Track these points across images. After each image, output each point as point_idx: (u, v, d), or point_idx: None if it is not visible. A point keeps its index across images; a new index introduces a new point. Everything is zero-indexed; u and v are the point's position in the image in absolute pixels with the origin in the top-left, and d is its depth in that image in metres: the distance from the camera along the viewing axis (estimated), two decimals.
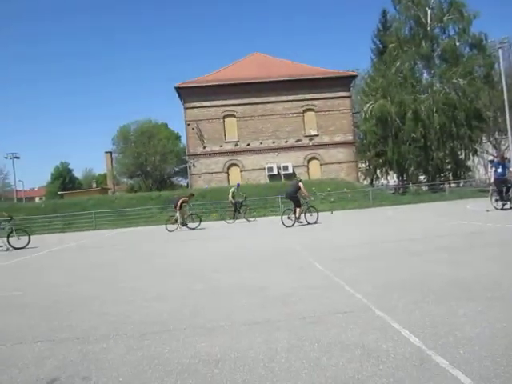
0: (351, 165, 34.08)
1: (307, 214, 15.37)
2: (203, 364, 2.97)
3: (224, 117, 33.25)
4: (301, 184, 15.10)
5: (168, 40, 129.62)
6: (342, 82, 34.30)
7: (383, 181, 44.39)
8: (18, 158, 55.07)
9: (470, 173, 38.25)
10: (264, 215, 22.44)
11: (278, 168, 32.68)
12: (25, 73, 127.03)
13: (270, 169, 32.65)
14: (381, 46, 39.56)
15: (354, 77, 35.81)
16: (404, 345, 3.02)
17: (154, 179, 59.06)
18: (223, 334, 3.59)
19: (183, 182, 60.10)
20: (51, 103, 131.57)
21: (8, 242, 13.67)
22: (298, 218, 14.76)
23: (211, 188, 28.87)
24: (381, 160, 36.11)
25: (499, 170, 14.08)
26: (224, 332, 3.66)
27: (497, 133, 44.52)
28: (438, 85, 33.32)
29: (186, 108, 33.28)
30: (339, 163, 33.22)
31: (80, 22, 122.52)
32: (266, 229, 15.48)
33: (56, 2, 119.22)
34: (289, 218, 14.77)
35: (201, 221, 17.90)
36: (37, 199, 67.02)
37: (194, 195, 19.62)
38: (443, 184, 31.08)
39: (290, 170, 32.55)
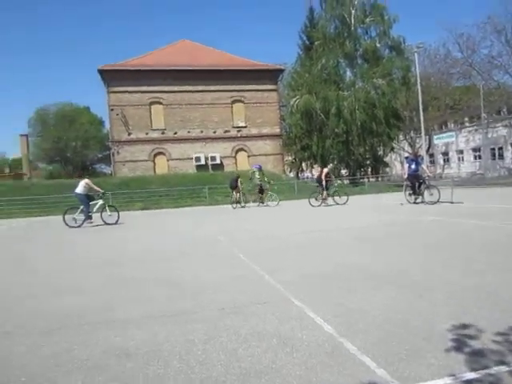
0: (278, 157, 34.76)
1: (335, 197, 17.57)
2: (116, 358, 2.87)
3: (150, 103, 32.29)
4: (325, 169, 17.82)
5: (92, 20, 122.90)
6: (270, 75, 34.77)
7: (308, 174, 45.74)
8: None
9: (387, 168, 40.63)
10: (190, 205, 22.24)
11: (206, 158, 32.45)
12: None
13: (198, 159, 32.33)
14: (308, 42, 40.48)
15: (281, 71, 36.40)
16: (318, 333, 3.12)
17: (75, 166, 56.14)
18: (137, 328, 3.48)
19: (107, 170, 57.77)
20: None
21: (101, 217, 13.82)
22: (324, 200, 17.15)
23: (136, 176, 27.93)
24: (306, 153, 37.16)
25: (413, 167, 15.04)
26: (138, 325, 3.55)
27: (412, 132, 47.78)
28: (359, 83, 34.86)
29: (109, 92, 31.83)
30: (266, 155, 33.73)
31: None
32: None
33: None
34: (316, 199, 17.18)
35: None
36: None
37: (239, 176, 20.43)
38: (363, 178, 32.76)
39: (218, 161, 32.50)
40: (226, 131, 33.49)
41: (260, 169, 20.10)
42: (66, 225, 13.21)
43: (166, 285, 4.97)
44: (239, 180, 19.95)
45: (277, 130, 34.87)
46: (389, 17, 33.62)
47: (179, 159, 32.39)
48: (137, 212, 20.81)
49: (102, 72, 31.63)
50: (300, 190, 26.59)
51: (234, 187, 19.86)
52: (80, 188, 13.71)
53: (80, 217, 13.44)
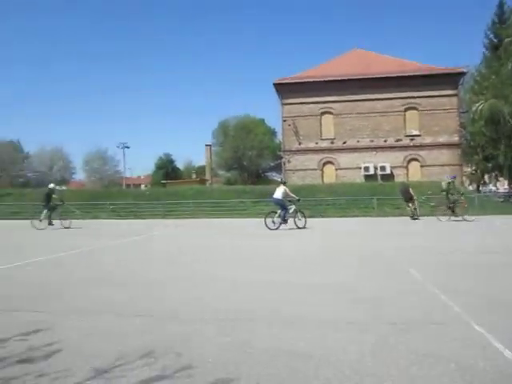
0: (455, 168, 31.76)
1: None
2: (288, 356, 3.03)
3: (321, 113, 32.95)
4: None
5: (267, 37, 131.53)
6: (448, 80, 32.06)
7: (492, 187, 40.92)
8: (127, 147, 60.45)
9: None
10: (356, 215, 21.94)
11: (375, 168, 31.58)
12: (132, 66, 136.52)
13: (367, 168, 31.69)
14: (495, 40, 36.34)
15: (462, 74, 33.21)
16: (504, 366, 2.81)
17: (249, 173, 60.66)
18: (307, 330, 3.63)
19: (277, 178, 60.92)
20: (160, 98, 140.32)
21: (294, 221, 15.12)
22: None
23: (305, 185, 28.74)
24: (490, 164, 33.28)
25: None
26: (308, 327, 3.70)
27: None
28: None
29: (283, 104, 33.52)
30: (442, 166, 31.12)
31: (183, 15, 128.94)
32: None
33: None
34: None
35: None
36: (142, 186, 72.13)
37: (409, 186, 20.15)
38: None
39: (388, 171, 31.33)
40: (397, 140, 32.10)
41: (454, 179, 18.75)
42: (267, 227, 14.41)
43: (342, 291, 5.11)
44: (410, 190, 19.30)
45: (455, 139, 31.97)
46: None
47: (347, 168, 32.24)
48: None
49: (277, 86, 33.56)
50: (481, 205, 23.82)
51: (409, 198, 19.20)
52: (279, 194, 14.93)
53: (278, 220, 14.66)
